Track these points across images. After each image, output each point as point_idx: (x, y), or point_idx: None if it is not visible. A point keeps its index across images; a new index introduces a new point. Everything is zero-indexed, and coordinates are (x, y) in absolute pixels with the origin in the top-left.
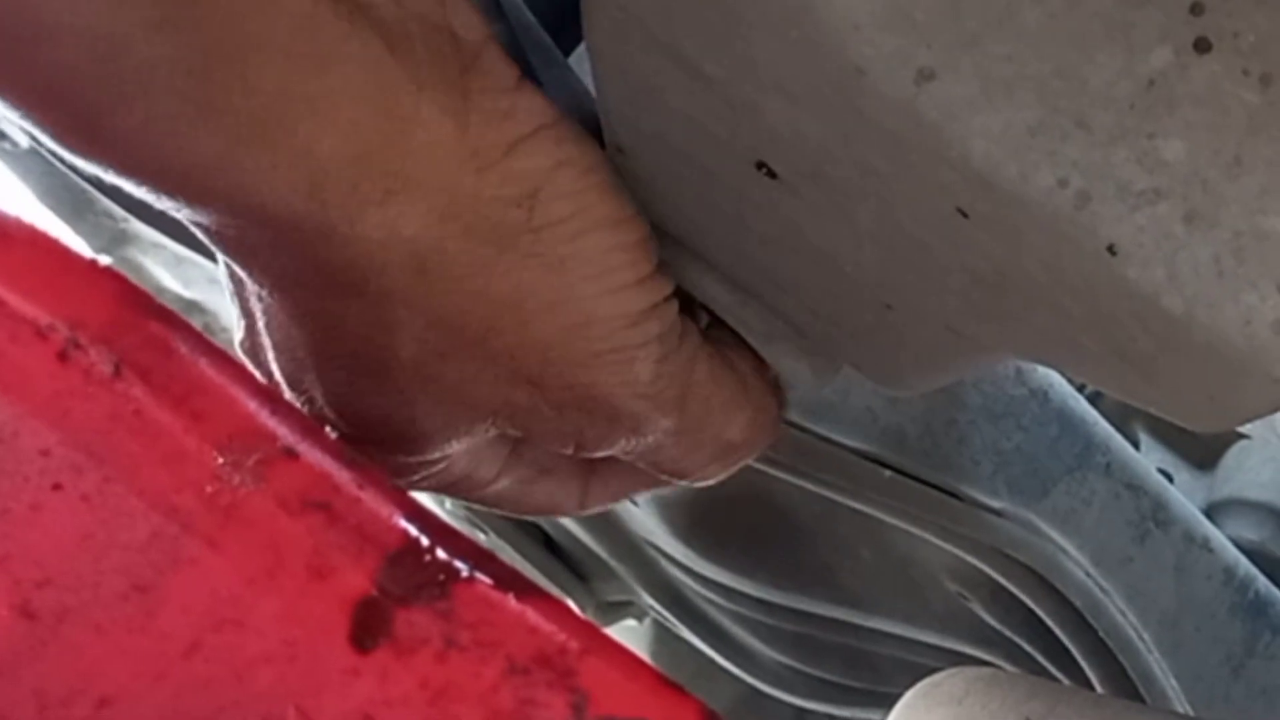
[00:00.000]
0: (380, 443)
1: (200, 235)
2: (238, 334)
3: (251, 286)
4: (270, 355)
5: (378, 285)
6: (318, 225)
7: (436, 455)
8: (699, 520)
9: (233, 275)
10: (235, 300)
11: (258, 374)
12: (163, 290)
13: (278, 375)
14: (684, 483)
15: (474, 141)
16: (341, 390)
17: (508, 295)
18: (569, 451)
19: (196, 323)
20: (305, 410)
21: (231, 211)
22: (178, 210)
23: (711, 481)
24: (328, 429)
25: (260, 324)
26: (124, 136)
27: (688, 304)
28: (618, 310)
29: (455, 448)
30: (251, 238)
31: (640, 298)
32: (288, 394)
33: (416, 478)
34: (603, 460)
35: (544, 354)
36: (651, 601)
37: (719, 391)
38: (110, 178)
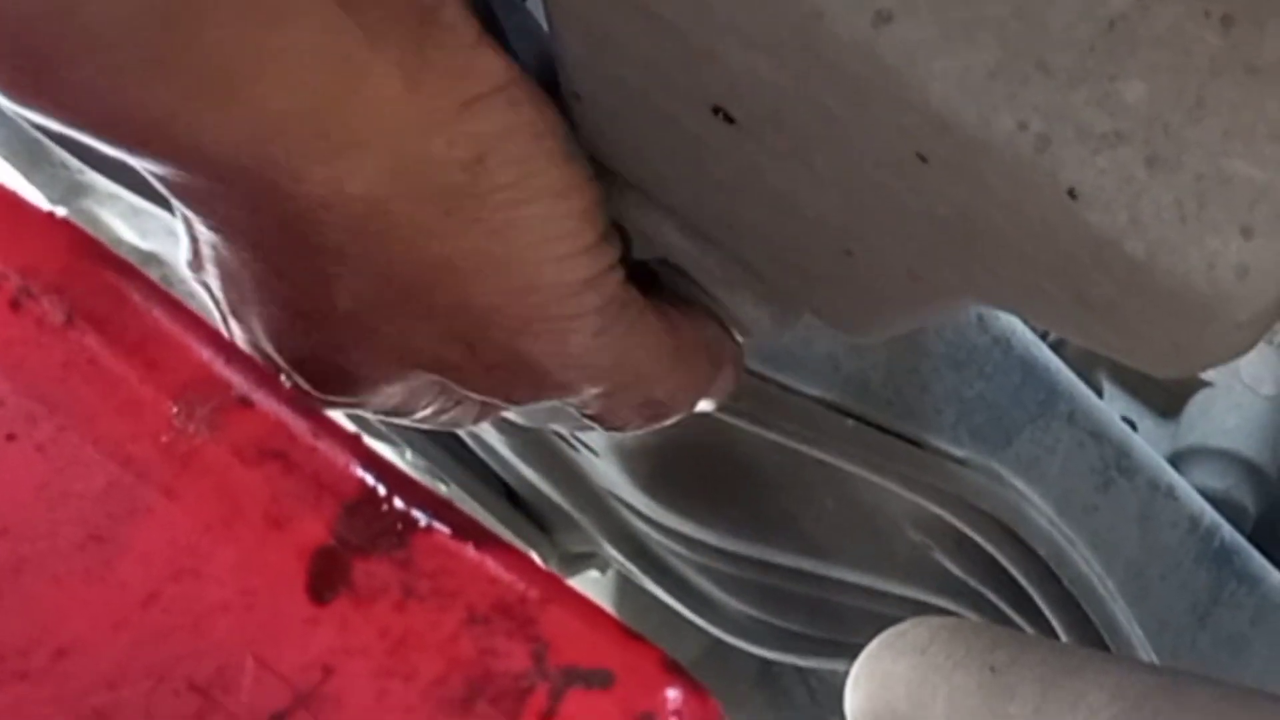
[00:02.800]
0: (315, 381)
1: (148, 178)
2: (183, 254)
3: (198, 225)
4: (215, 282)
5: (320, 241)
6: (264, 180)
7: (370, 398)
8: (660, 471)
9: (177, 207)
10: (181, 225)
11: (200, 293)
12: (120, 241)
13: (221, 301)
14: (602, 429)
15: (426, 100)
16: (280, 329)
17: (448, 258)
18: (498, 403)
19: (154, 274)
20: (245, 340)
21: (178, 162)
22: (126, 158)
23: (630, 432)
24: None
25: (206, 253)
26: (74, 89)
27: (633, 268)
28: (558, 278)
29: (385, 391)
30: (198, 186)
31: (582, 267)
32: (230, 322)
33: (349, 411)
34: None
35: (480, 317)
36: (614, 553)
37: (653, 359)
38: (58, 128)
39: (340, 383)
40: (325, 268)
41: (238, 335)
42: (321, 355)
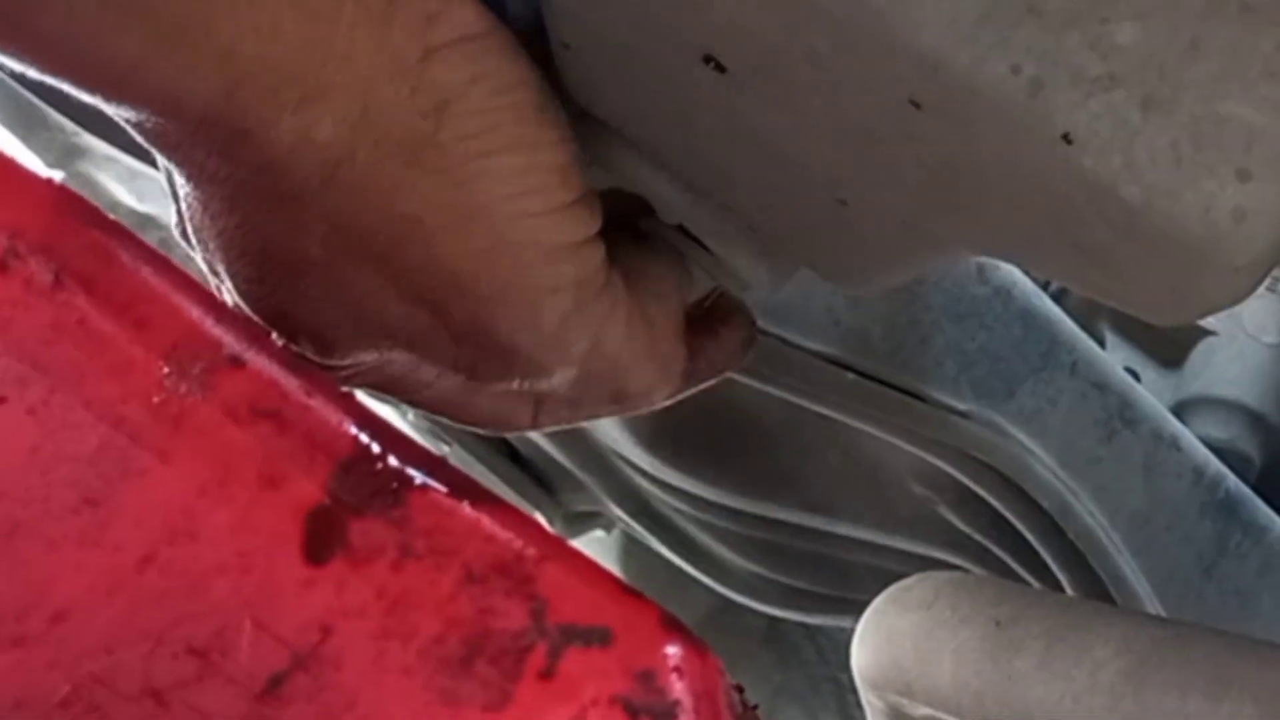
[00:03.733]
0: (287, 337)
1: (122, 123)
2: (171, 217)
3: (176, 176)
4: (192, 240)
5: (289, 189)
6: (234, 127)
7: (347, 361)
8: (663, 428)
9: (161, 163)
10: (166, 185)
11: (193, 255)
12: (117, 204)
13: (199, 259)
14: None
15: (391, 47)
16: (253, 283)
17: (414, 210)
18: (461, 379)
19: (152, 238)
20: (228, 299)
21: (151, 108)
22: (103, 106)
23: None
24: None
25: (185, 212)
26: (45, 34)
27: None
28: (529, 237)
29: (362, 358)
30: (171, 133)
31: (555, 228)
32: (209, 277)
33: (340, 376)
34: None
35: (449, 278)
36: (619, 512)
37: (628, 349)
38: (32, 73)
39: (314, 343)
40: (295, 218)
41: (219, 292)
42: (294, 315)
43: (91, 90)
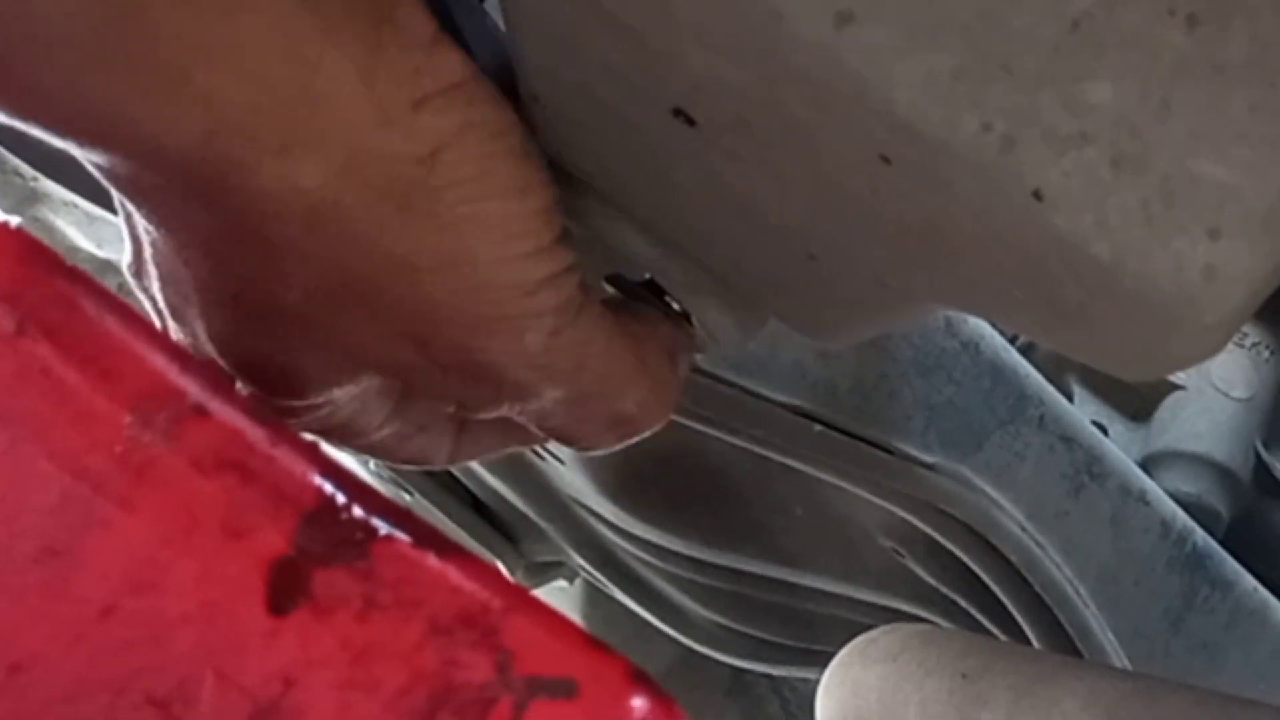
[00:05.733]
0: (261, 384)
1: (90, 169)
2: (126, 258)
3: (140, 220)
4: (155, 285)
5: (269, 234)
6: (213, 173)
7: (318, 400)
8: (629, 479)
9: (122, 204)
10: (124, 227)
11: (143, 299)
12: (76, 250)
13: (162, 305)
14: (576, 449)
15: (379, 97)
16: (224, 329)
17: (401, 254)
18: (450, 410)
19: (111, 283)
20: (189, 344)
21: (128, 155)
22: (76, 151)
23: (603, 451)
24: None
25: (147, 255)
26: (18, 80)
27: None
28: (513, 278)
29: (337, 395)
30: (145, 179)
31: (537, 267)
32: (171, 326)
33: (296, 420)
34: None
35: (433, 315)
36: (582, 562)
37: (615, 366)
38: (8, 121)
39: (288, 385)
40: (275, 264)
41: (179, 339)
42: (268, 357)
43: (66, 137)
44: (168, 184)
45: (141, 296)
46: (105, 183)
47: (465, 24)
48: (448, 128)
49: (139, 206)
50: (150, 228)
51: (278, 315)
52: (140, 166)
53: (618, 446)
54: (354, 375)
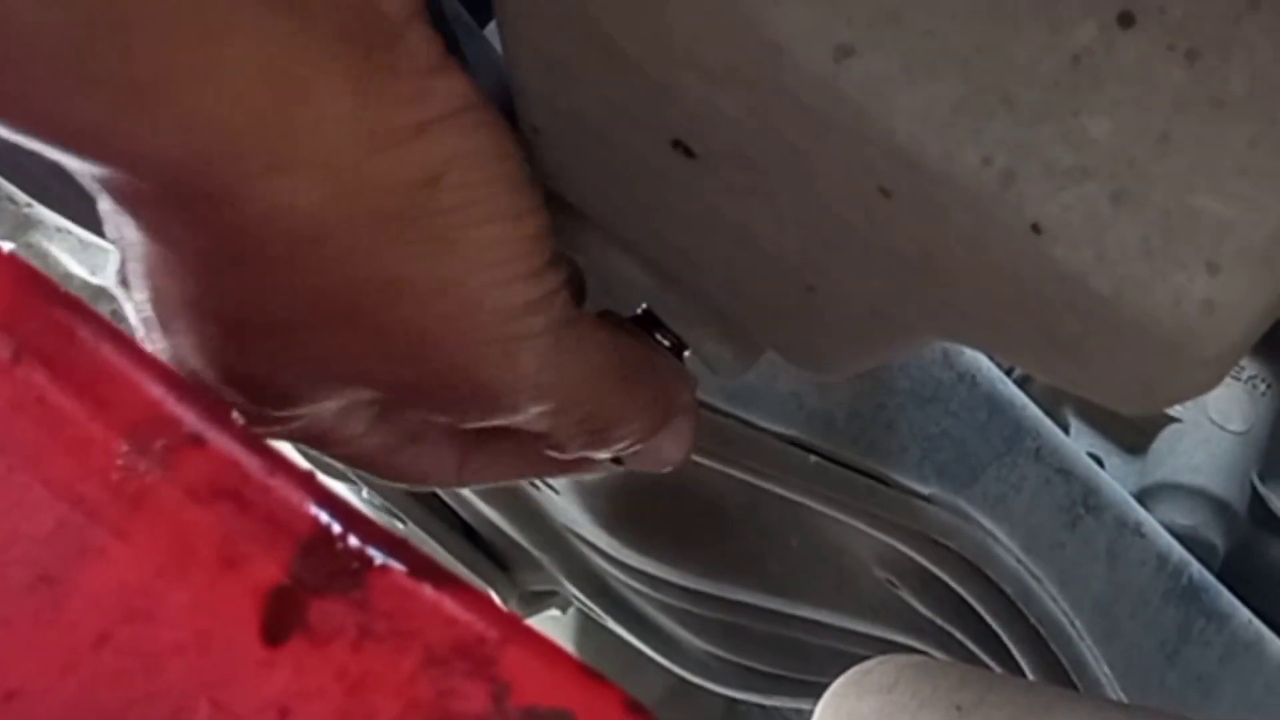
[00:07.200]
0: (247, 396)
1: (86, 180)
2: (112, 267)
3: (130, 232)
4: (143, 295)
5: (258, 254)
6: (203, 191)
7: (303, 412)
8: (623, 508)
9: (110, 215)
10: (115, 239)
11: (130, 310)
12: (69, 277)
13: (148, 314)
14: (575, 475)
15: (373, 122)
16: (211, 343)
17: (393, 276)
18: (444, 420)
19: (104, 309)
20: (174, 356)
21: (118, 169)
22: (65, 161)
23: (602, 474)
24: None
25: (136, 265)
26: (7, 96)
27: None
28: (504, 302)
29: (324, 407)
30: (134, 194)
31: (528, 290)
32: (156, 338)
33: (278, 428)
34: (489, 434)
35: (424, 336)
36: (576, 591)
37: (598, 375)
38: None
39: (274, 398)
40: (265, 282)
41: (164, 351)
42: (255, 371)
43: (55, 149)
44: (158, 197)
45: (127, 307)
46: (94, 193)
47: (468, 48)
48: (449, 154)
49: (131, 217)
50: (141, 239)
51: (266, 332)
52: (129, 179)
53: (618, 469)
54: (341, 390)
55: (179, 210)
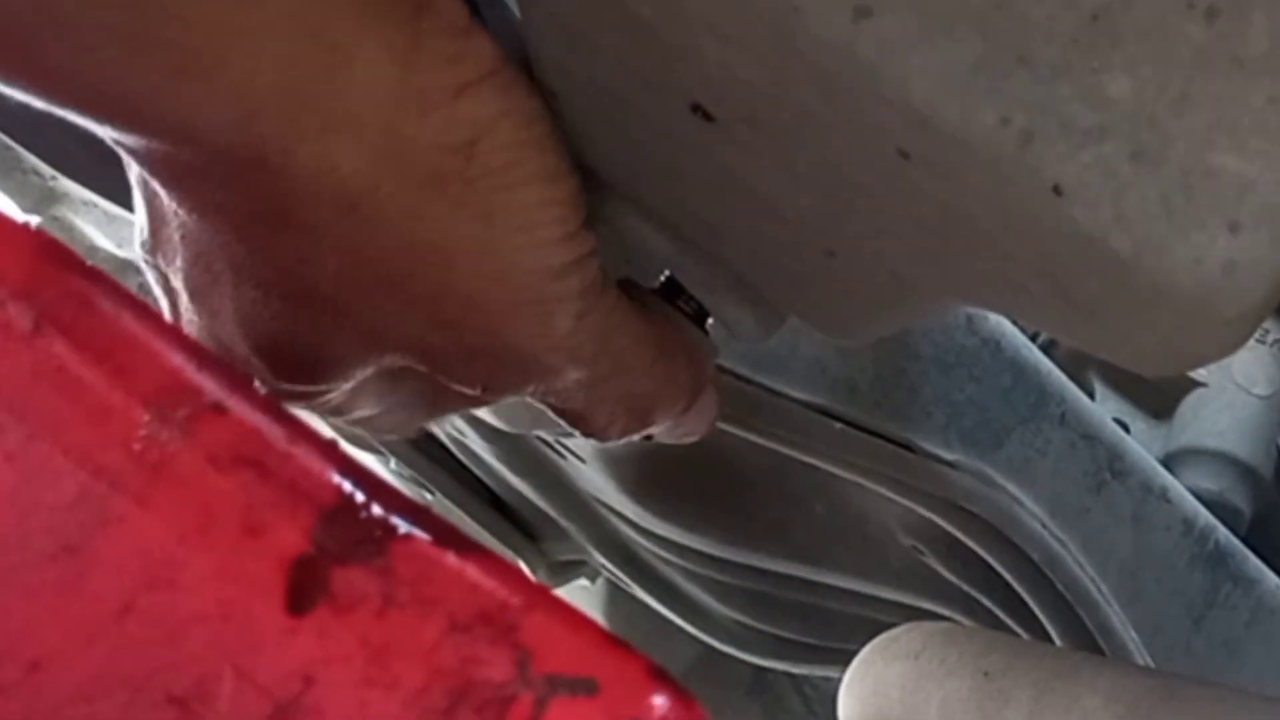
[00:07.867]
0: (282, 365)
1: (121, 153)
2: (139, 235)
3: (168, 200)
4: (177, 264)
5: (305, 219)
6: (250, 156)
7: (338, 383)
8: (648, 477)
9: (144, 183)
10: (144, 205)
11: (151, 278)
12: (95, 250)
13: (178, 283)
14: (592, 436)
15: (418, 83)
16: (253, 311)
17: (435, 241)
18: (475, 393)
19: (130, 282)
20: (205, 325)
21: (165, 139)
22: (109, 132)
23: (616, 440)
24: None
25: (174, 235)
26: (55, 65)
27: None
28: (541, 263)
29: (357, 377)
30: (180, 163)
31: (565, 251)
32: (187, 306)
33: (301, 402)
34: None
35: (464, 301)
36: (603, 560)
37: (637, 350)
38: (39, 103)
39: (310, 368)
40: (310, 248)
41: (193, 321)
42: (294, 339)
43: (102, 121)
44: (204, 166)
45: (150, 275)
46: (133, 163)
47: (487, 15)
48: (486, 115)
49: (171, 189)
50: (181, 209)
51: (309, 298)
52: (175, 148)
53: (635, 436)
54: (379, 359)
55: (226, 177)
